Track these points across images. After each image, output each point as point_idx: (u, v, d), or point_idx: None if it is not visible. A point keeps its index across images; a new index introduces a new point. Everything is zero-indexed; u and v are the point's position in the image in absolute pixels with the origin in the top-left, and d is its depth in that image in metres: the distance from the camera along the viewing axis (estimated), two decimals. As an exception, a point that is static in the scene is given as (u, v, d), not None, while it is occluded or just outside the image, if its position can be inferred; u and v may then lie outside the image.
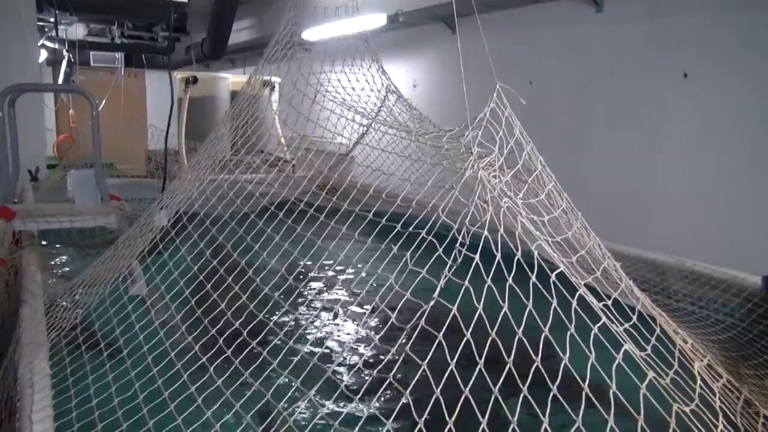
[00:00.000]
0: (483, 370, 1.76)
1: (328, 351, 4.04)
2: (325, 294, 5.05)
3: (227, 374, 2.31)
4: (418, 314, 1.95)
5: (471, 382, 1.76)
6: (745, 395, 2.34)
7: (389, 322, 2.02)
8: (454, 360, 1.79)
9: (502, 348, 1.80)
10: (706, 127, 5.45)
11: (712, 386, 1.97)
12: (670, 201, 5.79)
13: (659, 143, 5.87)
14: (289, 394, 1.97)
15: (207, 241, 3.15)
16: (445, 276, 1.99)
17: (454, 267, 2.01)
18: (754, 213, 5.10)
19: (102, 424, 2.44)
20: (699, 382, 1.90)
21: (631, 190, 6.16)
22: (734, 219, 5.25)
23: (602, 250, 2.37)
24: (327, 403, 2.23)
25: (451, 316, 1.85)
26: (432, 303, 1.97)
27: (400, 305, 2.03)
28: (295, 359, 2.29)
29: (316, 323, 4.43)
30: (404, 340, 1.96)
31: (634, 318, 2.03)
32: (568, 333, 1.77)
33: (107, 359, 2.87)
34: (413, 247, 2.15)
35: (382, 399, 3.03)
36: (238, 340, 2.45)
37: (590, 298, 1.92)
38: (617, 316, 1.97)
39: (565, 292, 1.82)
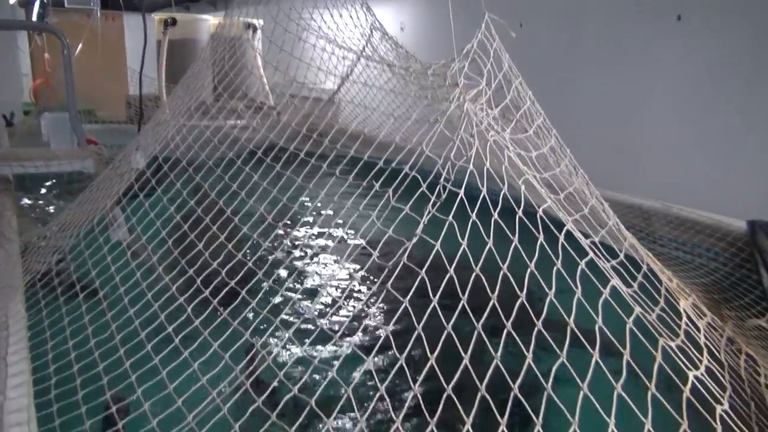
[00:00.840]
0: (466, 305, 1.71)
1: (309, 290, 4.00)
2: (306, 234, 4.97)
3: (206, 314, 2.25)
4: (401, 251, 1.89)
5: (453, 319, 1.72)
6: (728, 333, 2.34)
7: (371, 260, 1.96)
8: (437, 297, 1.73)
9: (486, 284, 1.75)
10: (697, 71, 5.34)
11: (697, 323, 1.95)
12: (658, 146, 5.74)
13: (650, 87, 5.76)
14: (269, 332, 1.92)
15: (188, 186, 3.04)
16: (429, 212, 1.91)
17: (438, 203, 1.94)
18: (744, 158, 5.06)
19: (78, 365, 2.39)
20: (684, 319, 1.87)
21: (620, 134, 6.08)
22: (723, 164, 5.22)
23: (590, 188, 2.31)
24: (307, 341, 2.19)
25: (434, 252, 1.79)
26: (415, 240, 1.90)
27: (382, 242, 1.96)
28: (275, 299, 2.23)
29: (297, 264, 4.38)
30: (386, 278, 1.90)
31: (621, 256, 1.99)
32: (554, 269, 1.72)
33: (83, 301, 2.80)
34: (396, 183, 2.07)
35: (363, 336, 3.01)
36: (216, 280, 2.39)
37: (577, 234, 1.86)
38: (604, 253, 1.92)
39: (552, 227, 1.76)
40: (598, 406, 1.49)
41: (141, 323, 2.44)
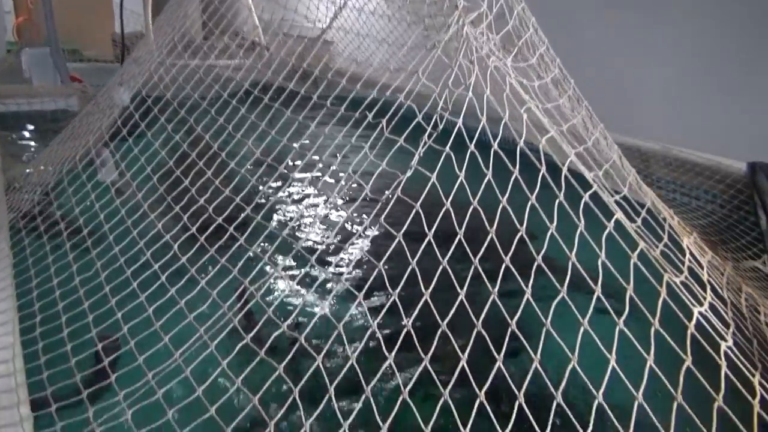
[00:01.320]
0: (463, 240, 1.64)
1: (301, 227, 3.93)
2: (296, 169, 4.84)
3: (193, 250, 2.17)
4: (395, 184, 1.79)
5: (449, 254, 1.64)
6: (729, 272, 2.29)
7: (363, 194, 1.87)
8: (431, 231, 1.65)
9: (484, 218, 1.67)
10: (700, 9, 5.14)
11: (700, 260, 1.89)
12: (658, 86, 5.58)
13: (650, 25, 5.56)
14: (258, 268, 1.85)
15: (178, 126, 2.90)
16: (425, 143, 1.81)
17: (435, 135, 1.83)
18: (744, 99, 4.93)
19: (63, 303, 2.33)
20: (688, 255, 1.80)
21: (620, 76, 5.91)
22: (722, 105, 5.09)
23: (594, 121, 2.20)
24: (298, 275, 2.12)
25: (429, 184, 1.69)
26: (409, 173, 1.81)
27: (375, 175, 1.87)
28: (265, 236, 2.15)
29: (289, 201, 4.28)
30: (379, 212, 1.82)
31: (625, 190, 1.90)
32: (557, 201, 1.63)
33: (67, 239, 2.72)
34: (389, 113, 1.95)
35: (355, 273, 2.96)
36: (204, 216, 2.30)
37: (580, 167, 1.77)
38: (607, 186, 1.83)
39: (554, 157, 1.66)
40: (598, 342, 1.44)
41: (127, 261, 2.37)
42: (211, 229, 2.20)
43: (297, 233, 3.69)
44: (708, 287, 1.72)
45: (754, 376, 1.41)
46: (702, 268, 1.84)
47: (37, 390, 2.01)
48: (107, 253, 2.47)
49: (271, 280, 1.89)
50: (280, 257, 1.98)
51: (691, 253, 1.84)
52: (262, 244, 2.12)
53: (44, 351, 2.14)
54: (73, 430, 1.76)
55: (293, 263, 2.43)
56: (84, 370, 2.01)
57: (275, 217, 2.75)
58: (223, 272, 2.10)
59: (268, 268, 1.90)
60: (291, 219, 3.88)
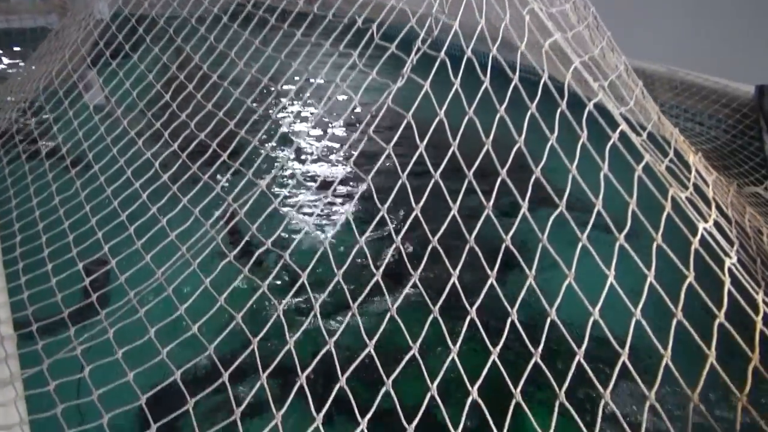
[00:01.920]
0: (457, 152, 1.53)
1: (283, 140, 3.77)
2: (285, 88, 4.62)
3: (174, 168, 2.07)
4: (385, 95, 1.67)
5: (442, 167, 1.54)
6: (733, 192, 2.20)
7: (353, 104, 1.75)
8: (425, 141, 1.55)
9: (480, 129, 1.56)
10: None
11: (706, 178, 1.80)
12: (665, 3, 5.32)
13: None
14: (241, 185, 1.75)
15: (166, 47, 2.71)
16: (420, 50, 1.67)
17: (429, 39, 1.69)
18: (752, 20, 4.70)
19: (43, 223, 2.25)
20: (694, 172, 1.71)
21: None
22: (730, 26, 4.86)
23: (602, 31, 2.05)
24: (284, 192, 2.03)
25: (423, 91, 1.57)
26: (401, 82, 1.68)
27: (365, 83, 1.74)
28: (251, 151, 2.04)
29: (276, 117, 4.11)
30: (367, 126, 1.70)
31: (631, 103, 1.79)
32: (558, 111, 1.52)
33: (46, 158, 2.60)
34: (383, 14, 1.80)
35: (342, 188, 2.84)
36: (186, 132, 2.18)
37: (587, 76, 1.64)
38: (613, 98, 1.71)
39: (559, 64, 1.53)
40: (596, 257, 1.37)
41: (108, 180, 2.27)
42: (194, 144, 2.09)
43: (285, 152, 3.55)
44: (713, 205, 1.63)
45: (758, 293, 1.35)
46: (708, 186, 1.75)
47: (20, 310, 1.96)
48: (86, 172, 2.36)
49: (257, 198, 1.80)
50: (267, 175, 1.88)
51: (697, 171, 1.75)
52: (248, 161, 2.01)
53: (25, 271, 2.08)
54: (54, 348, 1.72)
55: (280, 179, 2.34)
56: (66, 290, 1.95)
57: (264, 137, 2.61)
58: (207, 190, 2.00)
59: (253, 186, 1.80)
60: (279, 138, 3.73)
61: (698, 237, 1.38)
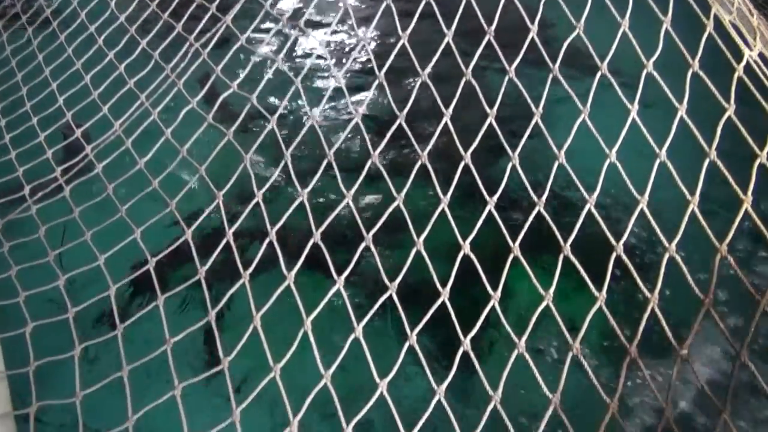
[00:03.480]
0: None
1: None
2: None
3: (155, 30, 1.76)
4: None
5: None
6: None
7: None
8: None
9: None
10: None
11: (750, 7, 1.52)
12: None
13: None
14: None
15: None
16: None
17: None
18: None
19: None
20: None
21: None
22: None
23: None
24: (249, 27, 1.73)
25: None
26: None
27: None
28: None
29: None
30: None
31: None
32: None
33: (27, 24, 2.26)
34: None
35: (350, 74, 2.54)
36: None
37: None
38: None
39: None
40: (617, 88, 1.14)
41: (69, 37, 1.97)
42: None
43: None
44: (758, 35, 1.37)
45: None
46: (752, 15, 1.48)
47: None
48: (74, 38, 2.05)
49: (225, 38, 1.55)
50: (246, 26, 1.59)
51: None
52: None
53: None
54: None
55: (263, 35, 2.06)
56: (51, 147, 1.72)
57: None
58: (181, 41, 1.72)
59: (224, 27, 1.54)
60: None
61: (743, 63, 1.14)
